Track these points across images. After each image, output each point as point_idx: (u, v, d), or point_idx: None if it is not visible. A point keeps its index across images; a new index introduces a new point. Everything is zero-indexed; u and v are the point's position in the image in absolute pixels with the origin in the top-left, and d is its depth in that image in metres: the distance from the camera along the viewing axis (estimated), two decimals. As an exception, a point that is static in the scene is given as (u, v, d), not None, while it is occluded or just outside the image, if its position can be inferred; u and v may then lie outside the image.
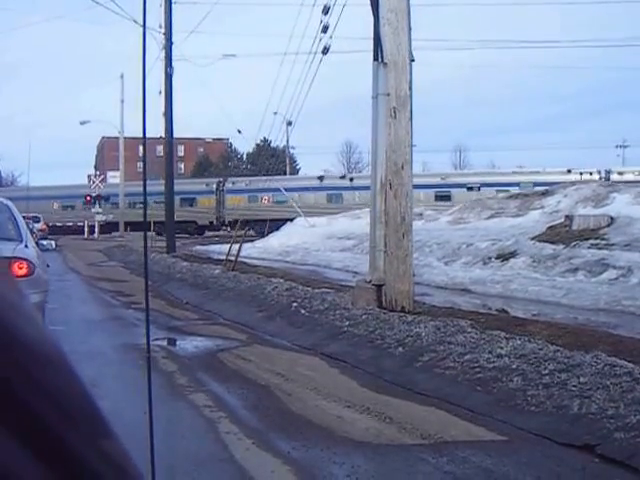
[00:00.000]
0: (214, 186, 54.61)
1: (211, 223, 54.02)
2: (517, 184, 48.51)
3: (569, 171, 51.54)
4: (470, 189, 50.11)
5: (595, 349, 7.17)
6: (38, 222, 38.61)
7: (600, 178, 49.37)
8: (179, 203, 46.84)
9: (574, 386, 6.18)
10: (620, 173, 51.14)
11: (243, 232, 19.16)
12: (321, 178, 54.54)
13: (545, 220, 22.44)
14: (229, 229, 49.42)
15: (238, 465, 5.06)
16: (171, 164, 28.33)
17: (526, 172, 53.73)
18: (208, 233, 52.82)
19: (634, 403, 5.61)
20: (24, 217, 9.70)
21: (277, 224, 36.45)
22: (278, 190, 49.77)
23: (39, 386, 0.60)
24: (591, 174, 50.89)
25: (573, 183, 26.98)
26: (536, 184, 48.89)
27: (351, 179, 52.42)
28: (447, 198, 48.40)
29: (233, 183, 54.82)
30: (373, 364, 8.22)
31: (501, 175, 52.30)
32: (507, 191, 47.16)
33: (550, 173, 50.42)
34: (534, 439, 5.57)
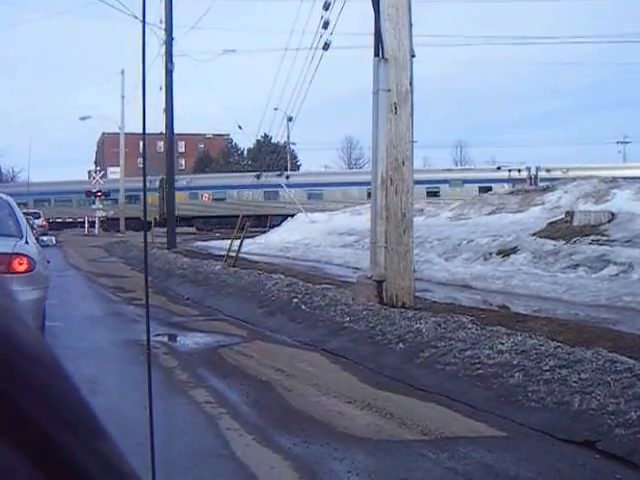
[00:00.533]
0: (157, 183, 54.93)
1: (155, 219, 54.52)
2: (447, 181, 49.29)
3: (499, 168, 52.66)
4: None
5: (596, 345, 7.18)
6: (38, 218, 38.60)
7: (529, 176, 50.41)
8: (128, 200, 47.40)
9: (575, 382, 6.18)
10: (548, 170, 52.28)
11: (244, 228, 19.12)
12: (259, 176, 54.95)
13: (546, 216, 22.43)
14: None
15: (239, 461, 5.06)
16: (172, 160, 28.34)
17: (456, 169, 54.80)
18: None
19: (635, 399, 5.60)
20: (24, 213, 9.70)
21: (223, 221, 36.92)
22: (216, 187, 50.57)
23: (32, 389, 0.59)
24: (520, 171, 51.87)
25: (574, 179, 26.92)
26: (465, 181, 49.65)
27: (287, 177, 52.76)
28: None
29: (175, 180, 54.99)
30: (374, 360, 8.21)
31: (431, 172, 53.18)
32: (437, 189, 48.15)
33: (481, 170, 51.02)
34: (535, 435, 5.57)
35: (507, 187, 49.50)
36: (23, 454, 0.57)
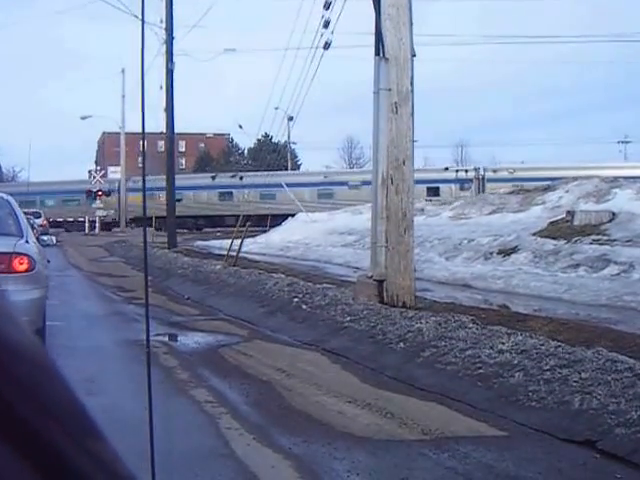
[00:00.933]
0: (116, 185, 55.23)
1: (114, 220, 54.87)
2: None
3: (446, 169, 53.42)
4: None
5: (596, 345, 7.18)
6: (39, 218, 38.61)
7: (476, 177, 51.01)
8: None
9: (575, 382, 6.18)
10: (494, 171, 53.31)
11: (245, 227, 19.13)
12: (214, 177, 55.25)
13: (547, 216, 22.44)
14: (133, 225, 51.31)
15: (239, 460, 5.06)
16: (172, 159, 28.35)
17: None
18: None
19: (635, 399, 5.60)
20: (25, 212, 9.70)
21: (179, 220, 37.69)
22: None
23: (24, 389, 0.59)
24: (467, 172, 52.52)
25: (575, 178, 26.92)
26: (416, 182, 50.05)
27: (241, 177, 53.10)
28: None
29: (134, 182, 55.10)
30: (374, 360, 8.21)
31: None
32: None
33: (427, 171, 51.49)
34: (535, 435, 5.57)
35: (454, 188, 50.30)
36: (15, 453, 0.56)
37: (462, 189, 50.61)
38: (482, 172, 52.94)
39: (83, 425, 0.65)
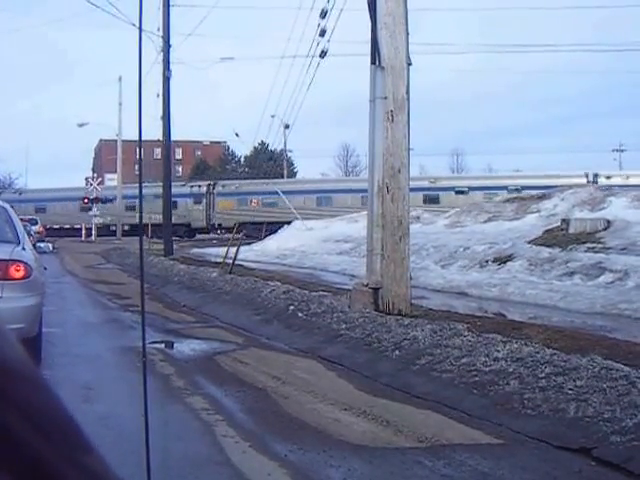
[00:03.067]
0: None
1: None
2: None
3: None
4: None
5: (591, 352, 7.19)
6: (35, 225, 38.58)
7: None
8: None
9: (570, 389, 6.19)
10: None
11: (240, 235, 19.15)
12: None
13: (542, 224, 22.49)
14: None
15: (235, 468, 5.06)
16: (169, 167, 28.36)
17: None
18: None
19: (630, 406, 5.62)
20: (21, 219, 9.70)
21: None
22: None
23: (14, 404, 0.60)
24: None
25: (570, 186, 27.00)
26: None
27: (20, 193, 54.91)
28: None
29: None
30: (370, 367, 8.22)
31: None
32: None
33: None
34: (530, 442, 5.57)
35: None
36: (5, 468, 0.57)
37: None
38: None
39: (74, 439, 0.66)
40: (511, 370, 6.96)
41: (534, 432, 5.71)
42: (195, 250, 33.64)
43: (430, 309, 11.43)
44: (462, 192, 50.23)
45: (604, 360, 6.78)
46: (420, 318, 9.81)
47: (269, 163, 59.15)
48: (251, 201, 54.46)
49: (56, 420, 0.65)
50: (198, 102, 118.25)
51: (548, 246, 18.68)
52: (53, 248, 11.61)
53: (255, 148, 63.98)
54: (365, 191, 11.51)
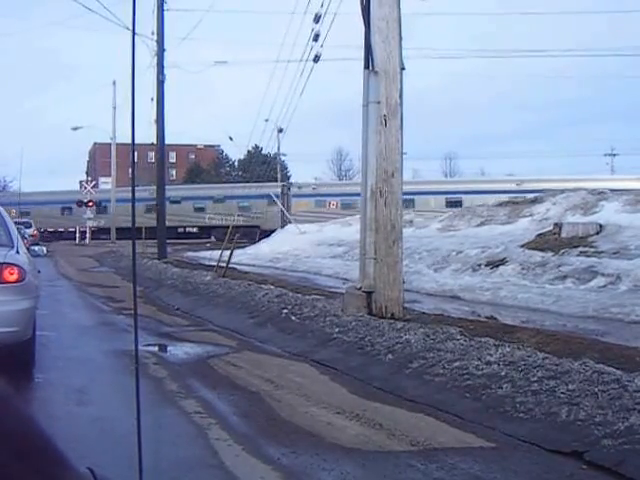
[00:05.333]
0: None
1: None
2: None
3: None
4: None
5: (583, 356, 7.21)
6: (29, 228, 38.51)
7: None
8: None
9: (562, 393, 6.22)
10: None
11: (234, 238, 19.14)
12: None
13: (534, 228, 22.56)
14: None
15: (228, 471, 5.07)
16: (162, 170, 28.35)
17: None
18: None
19: (622, 410, 5.64)
20: (15, 223, 9.69)
21: None
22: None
23: None
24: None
25: (562, 191, 27.07)
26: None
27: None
28: None
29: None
30: (363, 371, 8.24)
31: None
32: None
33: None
34: (522, 446, 5.59)
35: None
36: None
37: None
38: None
39: (46, 453, 0.67)
40: (503, 374, 6.98)
41: (526, 436, 5.73)
42: (189, 253, 33.62)
43: (423, 313, 11.45)
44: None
45: (596, 364, 6.81)
46: (413, 322, 9.83)
47: (262, 167, 59.12)
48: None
49: (25, 435, 0.65)
50: (192, 106, 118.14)
51: (540, 250, 18.74)
52: (47, 251, 11.59)
53: (249, 152, 63.94)
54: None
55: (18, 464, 0.61)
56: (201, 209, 56.20)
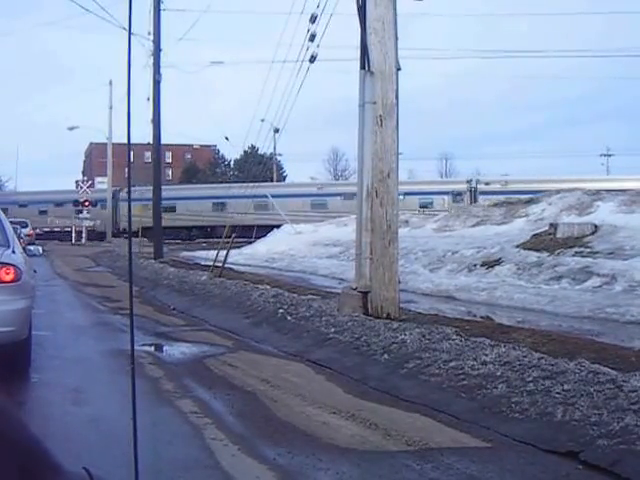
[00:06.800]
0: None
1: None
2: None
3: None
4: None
5: (579, 356, 7.23)
6: (25, 227, 38.46)
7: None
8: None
9: (558, 393, 6.23)
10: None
11: (231, 238, 19.15)
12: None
13: (530, 228, 22.58)
14: None
15: (224, 471, 5.07)
16: (159, 170, 28.32)
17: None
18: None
19: (617, 410, 5.65)
20: (11, 222, 9.68)
21: None
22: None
23: None
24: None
25: (558, 191, 27.10)
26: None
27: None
28: None
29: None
30: (358, 371, 8.24)
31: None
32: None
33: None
34: (518, 446, 5.60)
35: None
36: None
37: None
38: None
39: (39, 459, 0.67)
40: (499, 374, 6.99)
41: (522, 436, 5.74)
42: (185, 253, 33.61)
43: (419, 313, 11.46)
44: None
45: (591, 364, 6.82)
46: (409, 322, 9.84)
47: (259, 167, 59.12)
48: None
49: (20, 442, 0.66)
50: (188, 106, 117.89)
51: (536, 250, 18.76)
52: (43, 251, 11.57)
53: (245, 152, 63.91)
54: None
55: (13, 471, 0.62)
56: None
